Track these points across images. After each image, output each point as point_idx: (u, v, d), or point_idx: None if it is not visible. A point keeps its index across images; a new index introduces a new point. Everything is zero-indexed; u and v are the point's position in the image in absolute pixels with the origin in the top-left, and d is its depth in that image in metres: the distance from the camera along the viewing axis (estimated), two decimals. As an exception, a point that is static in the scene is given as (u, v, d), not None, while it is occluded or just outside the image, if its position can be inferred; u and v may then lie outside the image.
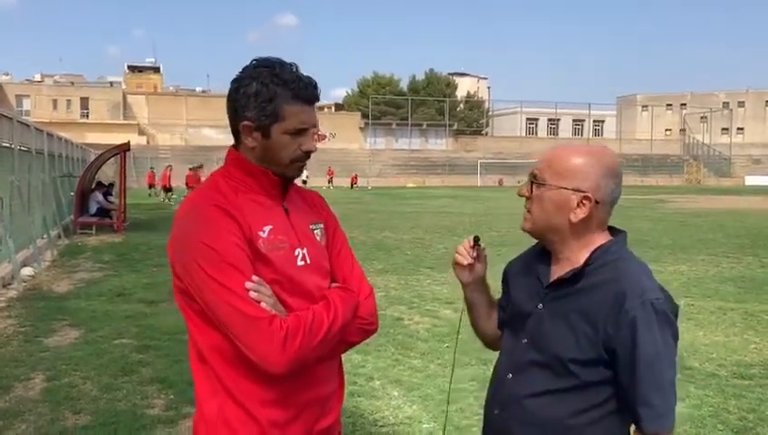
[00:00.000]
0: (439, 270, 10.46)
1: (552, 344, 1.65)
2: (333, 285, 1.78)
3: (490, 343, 2.03)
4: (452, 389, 5.01)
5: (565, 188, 1.65)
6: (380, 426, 4.33)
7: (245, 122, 1.67)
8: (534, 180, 1.71)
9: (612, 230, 1.74)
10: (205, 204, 1.64)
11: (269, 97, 1.64)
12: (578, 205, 1.64)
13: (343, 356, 1.87)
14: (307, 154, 1.72)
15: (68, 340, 6.44)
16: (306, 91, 1.68)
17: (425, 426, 4.34)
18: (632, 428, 1.63)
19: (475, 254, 1.90)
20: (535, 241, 1.84)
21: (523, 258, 1.90)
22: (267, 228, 1.66)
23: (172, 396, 4.83)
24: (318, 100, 1.73)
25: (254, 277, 1.57)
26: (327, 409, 1.76)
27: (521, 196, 1.75)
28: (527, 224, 1.75)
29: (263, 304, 1.55)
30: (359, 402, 4.69)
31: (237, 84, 1.68)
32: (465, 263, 1.90)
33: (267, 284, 1.60)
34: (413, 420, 4.45)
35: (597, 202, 1.64)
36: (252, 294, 1.54)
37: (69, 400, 4.77)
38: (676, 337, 1.60)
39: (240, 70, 1.70)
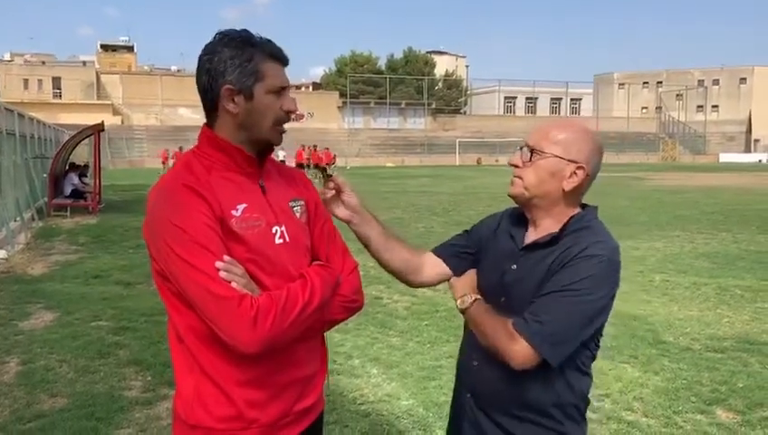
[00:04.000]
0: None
1: (527, 301, 1.73)
2: (314, 263, 1.75)
3: (401, 275, 2.03)
4: (430, 365, 5.06)
5: (562, 158, 1.76)
6: (360, 404, 4.35)
7: (227, 86, 1.63)
8: (532, 150, 1.78)
9: (583, 205, 1.86)
10: (175, 184, 1.61)
11: (247, 57, 1.63)
12: (571, 174, 1.76)
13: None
14: (288, 115, 1.71)
15: (43, 323, 6.36)
16: (279, 51, 1.69)
17: (404, 403, 4.37)
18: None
19: (332, 185, 1.91)
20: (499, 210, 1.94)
21: (494, 224, 1.97)
22: (241, 207, 1.64)
23: (149, 378, 4.80)
24: (288, 63, 1.72)
25: (226, 257, 1.54)
26: (308, 389, 1.74)
27: (512, 165, 1.83)
28: (517, 188, 1.81)
29: (233, 284, 1.52)
30: (338, 381, 4.70)
31: (210, 55, 1.65)
32: (328, 196, 1.92)
33: (243, 263, 1.58)
34: (392, 397, 4.48)
35: (587, 174, 1.78)
36: (222, 273, 1.52)
37: (45, 383, 4.72)
38: (610, 301, 1.70)
39: (205, 45, 1.68)
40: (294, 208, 1.77)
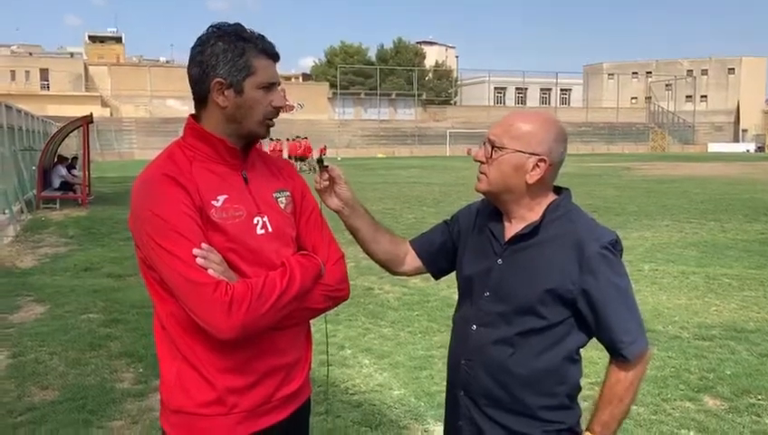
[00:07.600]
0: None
1: (517, 293, 1.77)
2: (298, 252, 1.76)
3: (385, 265, 2.10)
4: (422, 355, 5.09)
5: (523, 152, 1.77)
6: (352, 394, 4.37)
7: (218, 79, 1.65)
8: (493, 145, 1.79)
9: (557, 189, 1.88)
10: (156, 175, 1.64)
11: (239, 52, 1.65)
12: (533, 167, 1.77)
13: (314, 325, 1.87)
14: (277, 111, 1.73)
15: (33, 316, 6.34)
16: (271, 47, 1.71)
17: (396, 393, 4.39)
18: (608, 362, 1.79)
19: (327, 176, 1.92)
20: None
21: (471, 217, 2.00)
22: (222, 198, 1.66)
23: (141, 369, 4.80)
24: (279, 59, 1.74)
25: (203, 244, 1.57)
26: (291, 376, 1.76)
27: (477, 161, 1.84)
28: (483, 185, 1.84)
29: (210, 271, 1.55)
30: (330, 371, 4.72)
31: (201, 47, 1.68)
32: (321, 186, 1.94)
33: (222, 252, 1.61)
34: (384, 387, 4.50)
35: (550, 164, 1.78)
36: (199, 260, 1.55)
37: (36, 375, 4.72)
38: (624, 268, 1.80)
39: (198, 37, 1.70)
40: (279, 199, 1.79)
